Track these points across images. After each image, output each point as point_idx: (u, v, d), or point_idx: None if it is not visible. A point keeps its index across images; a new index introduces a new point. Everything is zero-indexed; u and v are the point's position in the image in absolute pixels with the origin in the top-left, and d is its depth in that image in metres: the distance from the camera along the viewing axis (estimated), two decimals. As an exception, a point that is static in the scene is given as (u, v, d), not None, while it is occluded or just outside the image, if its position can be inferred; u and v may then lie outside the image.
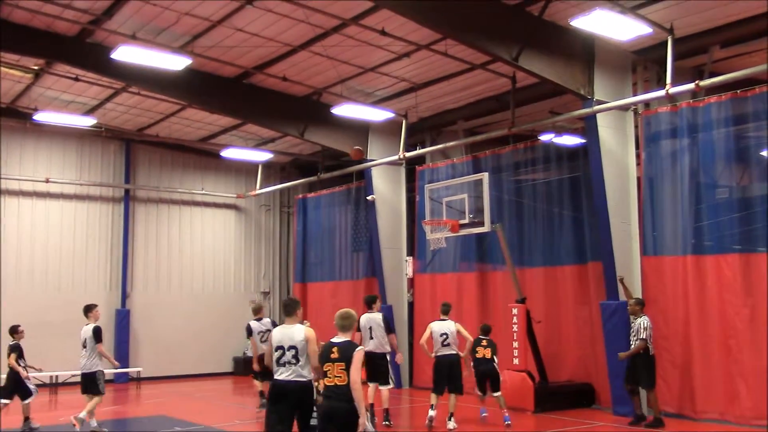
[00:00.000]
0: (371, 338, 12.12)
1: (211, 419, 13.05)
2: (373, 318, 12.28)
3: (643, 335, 11.98)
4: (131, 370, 20.06)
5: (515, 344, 14.19)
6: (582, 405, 14.02)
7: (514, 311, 14.33)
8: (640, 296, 12.98)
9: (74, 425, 11.02)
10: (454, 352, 12.16)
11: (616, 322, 13.01)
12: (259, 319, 14.03)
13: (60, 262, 20.13)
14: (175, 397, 17.31)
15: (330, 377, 6.82)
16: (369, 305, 12.52)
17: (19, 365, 12.09)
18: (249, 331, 13.76)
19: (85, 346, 11.63)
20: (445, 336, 12.05)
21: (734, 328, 11.93)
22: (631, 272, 13.31)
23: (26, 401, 12.08)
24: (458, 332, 12.21)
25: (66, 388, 18.50)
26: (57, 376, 18.49)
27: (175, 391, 18.45)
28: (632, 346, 12.19)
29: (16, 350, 12.21)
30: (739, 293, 11.93)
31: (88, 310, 11.89)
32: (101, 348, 11.57)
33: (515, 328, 14.22)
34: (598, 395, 14.15)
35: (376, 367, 12.11)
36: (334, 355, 6.84)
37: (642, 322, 12.09)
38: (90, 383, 11.57)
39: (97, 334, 11.56)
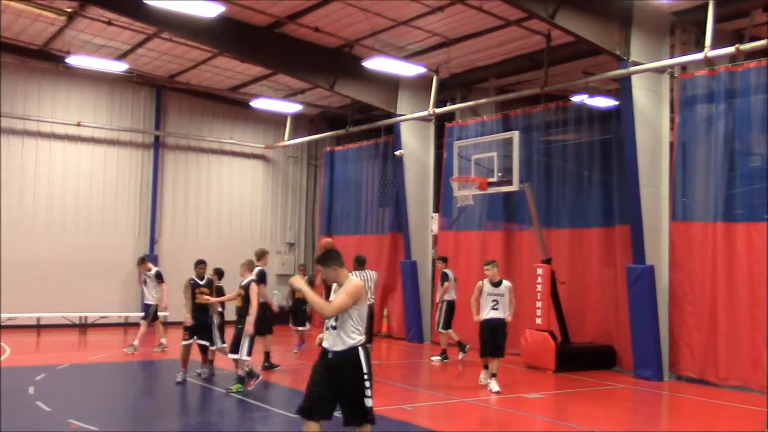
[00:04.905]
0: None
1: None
2: None
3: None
4: (159, 314, 20.30)
5: (538, 304, 14.24)
6: (603, 366, 14.09)
7: (539, 271, 14.35)
8: (667, 259, 13.05)
9: None
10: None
11: (642, 286, 13.00)
12: None
13: (90, 206, 20.39)
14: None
15: None
16: None
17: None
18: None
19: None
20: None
21: (761, 297, 11.85)
22: (659, 236, 13.23)
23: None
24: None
25: (95, 329, 18.93)
26: (86, 317, 18.90)
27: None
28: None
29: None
30: (768, 262, 11.83)
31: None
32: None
33: (539, 288, 14.24)
34: (620, 357, 14.20)
35: None
36: None
37: None
38: None
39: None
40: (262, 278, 12.73)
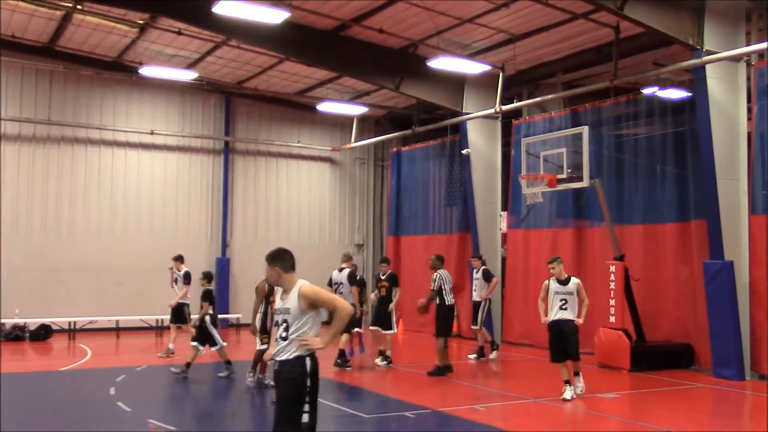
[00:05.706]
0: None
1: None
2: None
3: (433, 286, 12.90)
4: (231, 316, 20.78)
5: (612, 302, 13.95)
6: (680, 366, 13.69)
7: (612, 269, 14.05)
8: (747, 255, 12.58)
9: None
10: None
11: (720, 282, 12.58)
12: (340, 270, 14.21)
13: (164, 212, 20.94)
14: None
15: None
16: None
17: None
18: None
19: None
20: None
21: None
22: (737, 231, 12.79)
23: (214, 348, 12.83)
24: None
25: (170, 332, 19.35)
26: (162, 320, 19.37)
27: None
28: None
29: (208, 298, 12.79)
30: None
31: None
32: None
33: (612, 285, 13.96)
34: (698, 356, 13.78)
35: None
36: None
37: (434, 275, 12.99)
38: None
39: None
40: (353, 280, 13.72)
